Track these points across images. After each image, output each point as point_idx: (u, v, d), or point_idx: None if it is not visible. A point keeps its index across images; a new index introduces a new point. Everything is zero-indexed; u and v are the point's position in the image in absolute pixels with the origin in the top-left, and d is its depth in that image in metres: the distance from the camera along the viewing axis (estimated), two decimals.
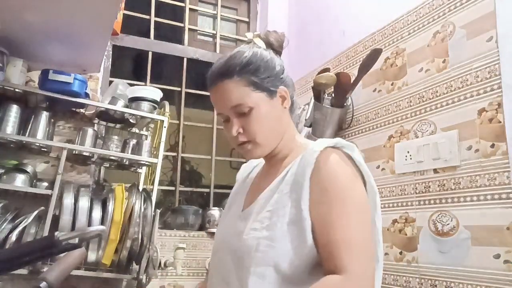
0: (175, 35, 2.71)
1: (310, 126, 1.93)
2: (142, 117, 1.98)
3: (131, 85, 2.12)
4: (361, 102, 1.85)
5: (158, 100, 2.02)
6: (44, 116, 1.79)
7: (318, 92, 1.90)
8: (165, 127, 1.98)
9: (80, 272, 1.66)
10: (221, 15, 2.79)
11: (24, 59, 1.76)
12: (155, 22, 2.59)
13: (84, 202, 1.69)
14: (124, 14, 2.34)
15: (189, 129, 2.69)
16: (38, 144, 1.78)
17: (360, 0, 2.02)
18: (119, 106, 1.91)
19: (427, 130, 1.48)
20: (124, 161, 1.99)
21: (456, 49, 1.42)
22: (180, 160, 2.54)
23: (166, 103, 2.09)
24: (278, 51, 1.01)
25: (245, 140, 0.92)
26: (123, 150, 1.93)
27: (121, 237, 1.69)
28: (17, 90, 1.74)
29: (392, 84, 1.68)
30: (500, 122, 1.23)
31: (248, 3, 2.87)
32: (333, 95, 1.89)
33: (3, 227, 1.58)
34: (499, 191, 1.22)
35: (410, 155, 1.52)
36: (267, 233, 0.85)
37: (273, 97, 0.94)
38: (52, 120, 1.86)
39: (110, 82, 2.23)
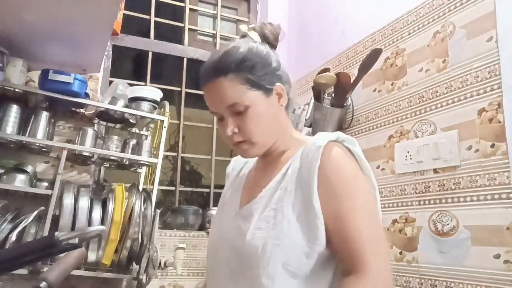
0: (175, 35, 2.71)
1: (310, 126, 1.93)
2: (142, 117, 1.98)
3: (131, 85, 2.12)
4: (361, 102, 1.85)
5: (158, 100, 2.02)
6: (44, 116, 1.79)
7: (318, 92, 1.90)
8: (165, 127, 1.98)
9: (80, 272, 1.66)
10: (221, 15, 2.79)
11: (24, 59, 1.76)
12: (155, 22, 2.59)
13: (84, 202, 1.69)
14: (124, 14, 2.34)
15: (189, 129, 2.69)
16: (38, 144, 1.78)
17: (360, 0, 2.02)
18: (119, 106, 1.91)
19: (427, 130, 1.48)
20: (124, 161, 1.99)
21: (456, 49, 1.42)
22: (180, 160, 2.54)
23: (166, 103, 2.09)
24: (273, 45, 0.98)
25: (241, 140, 0.90)
26: (123, 150, 1.93)
27: (121, 237, 1.69)
28: (17, 90, 1.74)
29: (392, 84, 1.68)
30: (500, 122, 1.23)
31: (248, 3, 2.87)
32: (333, 95, 1.89)
33: (3, 227, 1.58)
34: (499, 191, 1.22)
35: (410, 155, 1.52)
36: (274, 232, 0.83)
37: (270, 95, 0.91)
38: (52, 120, 1.86)
39: (110, 82, 2.23)
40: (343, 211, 0.82)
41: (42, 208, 1.68)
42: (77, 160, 1.95)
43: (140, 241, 1.72)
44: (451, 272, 1.32)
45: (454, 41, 1.43)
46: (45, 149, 1.85)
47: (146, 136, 2.17)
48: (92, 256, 1.66)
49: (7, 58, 1.71)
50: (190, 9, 2.70)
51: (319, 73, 1.90)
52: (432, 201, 1.43)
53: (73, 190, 1.74)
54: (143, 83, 2.47)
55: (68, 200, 1.68)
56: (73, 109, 2.00)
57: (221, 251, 0.94)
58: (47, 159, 1.96)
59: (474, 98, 1.32)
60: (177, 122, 2.57)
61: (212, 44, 2.74)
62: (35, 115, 1.78)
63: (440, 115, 1.44)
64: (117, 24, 2.20)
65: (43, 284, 0.78)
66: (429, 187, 1.44)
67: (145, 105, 1.96)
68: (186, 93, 2.61)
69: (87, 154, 1.88)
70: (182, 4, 2.68)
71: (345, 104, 1.88)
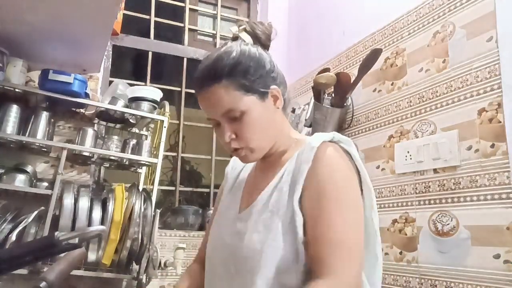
0: (175, 35, 2.70)
1: (310, 126, 1.93)
2: (142, 117, 1.98)
3: (131, 85, 2.12)
4: (361, 102, 1.85)
5: (158, 100, 2.02)
6: (44, 116, 1.79)
7: (318, 92, 1.90)
8: (165, 127, 1.98)
9: (80, 272, 1.66)
10: (221, 15, 2.78)
11: (24, 59, 1.76)
12: (155, 22, 2.59)
13: (84, 202, 1.69)
14: (124, 14, 2.34)
15: (189, 129, 2.69)
16: (38, 144, 1.78)
17: (360, 0, 2.02)
18: (119, 106, 1.91)
19: (427, 130, 1.48)
20: (124, 161, 1.99)
21: (456, 49, 1.42)
22: (180, 160, 2.54)
23: (166, 103, 2.09)
24: (266, 45, 0.95)
25: (239, 146, 0.89)
26: (123, 150, 1.93)
27: (121, 237, 1.69)
28: (17, 90, 1.74)
29: (392, 84, 1.68)
30: (500, 122, 1.23)
31: (248, 3, 2.87)
32: (333, 95, 1.89)
33: (3, 227, 1.58)
34: (499, 191, 1.22)
35: (410, 155, 1.52)
36: (271, 235, 0.83)
37: (265, 99, 0.89)
38: (52, 120, 1.86)
39: (110, 82, 2.23)
40: (321, 212, 0.80)
41: (42, 208, 1.69)
42: (77, 160, 1.95)
43: (140, 241, 1.72)
44: (451, 272, 1.32)
45: (454, 41, 1.43)
46: (45, 149, 1.85)
47: (146, 136, 2.17)
48: (92, 256, 1.66)
49: (7, 58, 1.71)
50: (190, 9, 2.70)
51: (319, 73, 1.90)
52: (432, 201, 1.43)
53: (73, 190, 1.74)
54: (143, 83, 2.47)
55: (68, 200, 1.68)
56: (73, 109, 2.00)
57: (220, 255, 0.93)
58: (47, 159, 1.96)
59: (474, 98, 1.32)
60: (177, 122, 2.57)
61: (212, 44, 2.74)
62: (35, 115, 1.78)
63: (440, 115, 1.44)
64: (117, 24, 2.20)
65: (43, 284, 0.78)
66: (429, 187, 1.44)
67: (145, 105, 1.96)
68: (186, 93, 2.61)
69: (87, 154, 1.88)
70: (182, 4, 2.68)
71: (345, 104, 1.88)
